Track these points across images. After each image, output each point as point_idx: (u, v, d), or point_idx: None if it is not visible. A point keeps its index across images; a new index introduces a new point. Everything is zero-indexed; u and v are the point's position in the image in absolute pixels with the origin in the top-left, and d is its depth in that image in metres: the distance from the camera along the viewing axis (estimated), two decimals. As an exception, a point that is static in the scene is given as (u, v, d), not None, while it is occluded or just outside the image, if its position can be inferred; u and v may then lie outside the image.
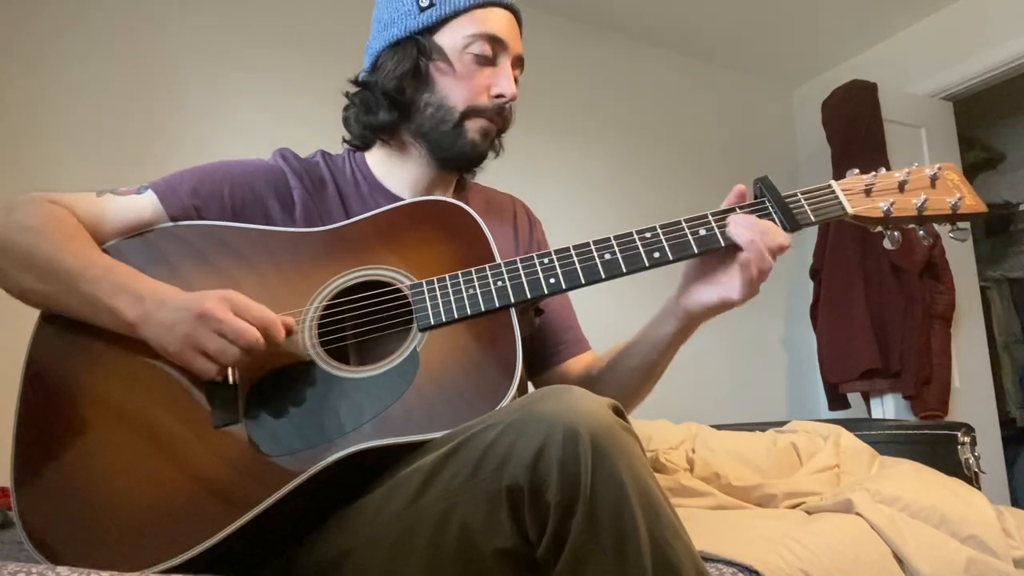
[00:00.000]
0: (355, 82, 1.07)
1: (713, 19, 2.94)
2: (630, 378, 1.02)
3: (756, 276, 0.87)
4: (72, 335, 0.85)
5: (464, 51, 0.99)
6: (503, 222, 1.13)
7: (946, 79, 2.93)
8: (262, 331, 0.79)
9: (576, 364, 1.11)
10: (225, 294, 0.81)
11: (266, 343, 0.79)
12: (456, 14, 1.00)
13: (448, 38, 1.00)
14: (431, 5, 1.00)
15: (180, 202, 0.95)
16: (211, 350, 0.78)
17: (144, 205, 0.94)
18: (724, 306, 0.90)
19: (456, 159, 1.03)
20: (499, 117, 1.02)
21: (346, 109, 1.09)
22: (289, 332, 0.83)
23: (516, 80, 1.04)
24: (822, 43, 3.14)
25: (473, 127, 1.01)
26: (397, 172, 1.07)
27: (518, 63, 1.04)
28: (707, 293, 0.91)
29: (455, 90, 1.00)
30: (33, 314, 0.88)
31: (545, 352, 1.11)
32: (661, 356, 0.99)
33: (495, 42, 1.00)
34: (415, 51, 1.00)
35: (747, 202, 0.93)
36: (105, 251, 0.90)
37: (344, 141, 1.11)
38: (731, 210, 0.92)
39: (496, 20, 1.01)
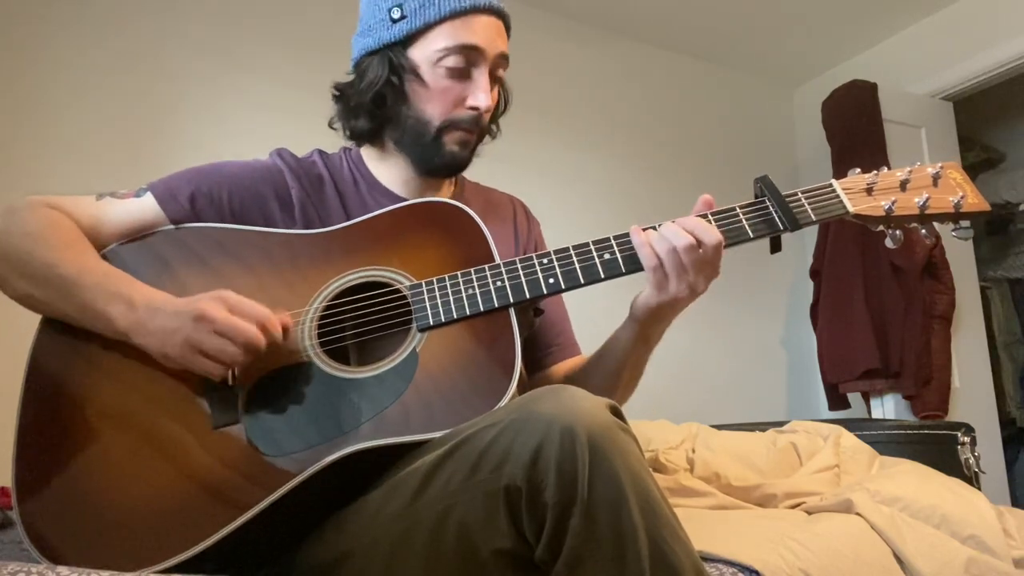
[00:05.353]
0: (338, 86, 1.06)
1: (713, 19, 2.94)
2: (600, 384, 1.01)
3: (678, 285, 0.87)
4: (73, 338, 0.85)
5: (437, 65, 0.97)
6: (503, 222, 1.13)
7: (946, 79, 2.92)
8: (259, 328, 0.79)
9: (563, 367, 1.11)
10: (218, 294, 0.81)
11: (265, 341, 0.79)
12: (428, 27, 0.97)
13: (420, 52, 0.98)
14: (402, 17, 0.97)
15: (179, 206, 0.95)
16: (212, 351, 0.78)
17: (143, 208, 0.94)
18: (665, 303, 0.90)
19: (438, 169, 1.04)
20: (476, 127, 1.01)
21: (334, 110, 1.08)
22: (286, 330, 0.83)
23: (502, 79, 1.04)
24: (822, 43, 3.13)
25: (451, 140, 1.00)
26: (388, 171, 1.07)
27: (500, 63, 1.01)
28: (647, 292, 0.91)
29: (430, 105, 0.99)
30: (34, 316, 0.88)
31: (535, 355, 1.10)
32: (622, 362, 0.98)
33: (469, 52, 0.97)
34: (388, 67, 0.98)
35: (746, 202, 0.93)
36: (104, 256, 0.90)
37: (345, 136, 1.11)
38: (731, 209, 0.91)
39: (469, 28, 0.97)
